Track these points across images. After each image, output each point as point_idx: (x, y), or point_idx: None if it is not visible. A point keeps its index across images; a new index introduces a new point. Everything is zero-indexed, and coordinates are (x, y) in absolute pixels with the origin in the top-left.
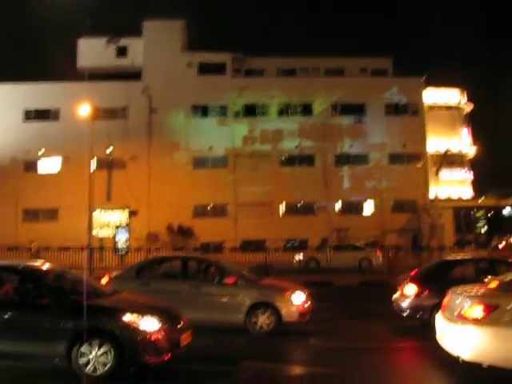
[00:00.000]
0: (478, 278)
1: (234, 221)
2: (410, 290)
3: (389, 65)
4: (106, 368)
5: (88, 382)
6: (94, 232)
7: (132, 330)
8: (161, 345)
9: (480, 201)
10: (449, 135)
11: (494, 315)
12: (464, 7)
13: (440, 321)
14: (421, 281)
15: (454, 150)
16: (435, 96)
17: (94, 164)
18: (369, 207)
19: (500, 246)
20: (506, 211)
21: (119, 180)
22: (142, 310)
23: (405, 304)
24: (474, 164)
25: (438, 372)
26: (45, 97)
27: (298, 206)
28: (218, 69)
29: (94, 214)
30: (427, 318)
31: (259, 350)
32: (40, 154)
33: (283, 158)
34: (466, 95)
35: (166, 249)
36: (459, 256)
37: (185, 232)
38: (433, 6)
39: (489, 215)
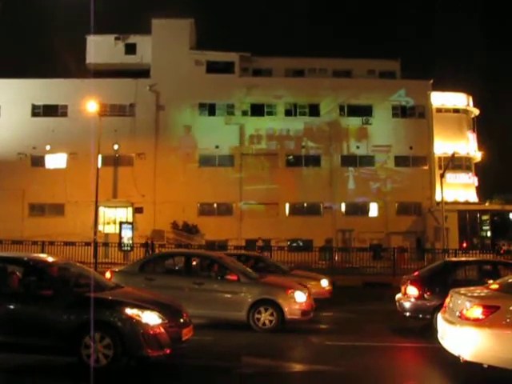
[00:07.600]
0: (481, 280)
1: (239, 220)
2: (413, 290)
3: (396, 67)
4: (108, 360)
5: (91, 373)
6: (100, 228)
7: (134, 323)
8: (162, 339)
9: (486, 205)
10: (456, 138)
11: (494, 316)
12: (473, 12)
13: (441, 321)
14: (424, 282)
15: (461, 153)
16: (442, 99)
17: (100, 160)
18: (374, 209)
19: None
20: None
21: (125, 176)
22: (144, 304)
23: (407, 304)
24: (479, 169)
25: (438, 371)
26: (53, 92)
27: (305, 205)
28: (226, 68)
29: (100, 209)
30: (430, 319)
31: (260, 347)
32: (47, 149)
33: (289, 157)
34: (471, 100)
35: (171, 246)
36: (462, 257)
37: (190, 229)
38: (442, 11)
39: (494, 219)
